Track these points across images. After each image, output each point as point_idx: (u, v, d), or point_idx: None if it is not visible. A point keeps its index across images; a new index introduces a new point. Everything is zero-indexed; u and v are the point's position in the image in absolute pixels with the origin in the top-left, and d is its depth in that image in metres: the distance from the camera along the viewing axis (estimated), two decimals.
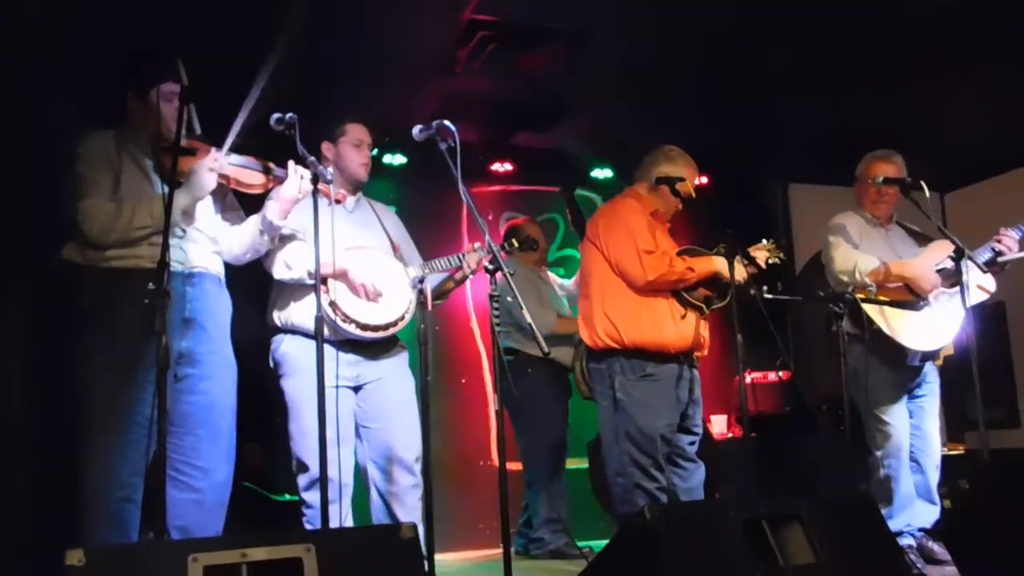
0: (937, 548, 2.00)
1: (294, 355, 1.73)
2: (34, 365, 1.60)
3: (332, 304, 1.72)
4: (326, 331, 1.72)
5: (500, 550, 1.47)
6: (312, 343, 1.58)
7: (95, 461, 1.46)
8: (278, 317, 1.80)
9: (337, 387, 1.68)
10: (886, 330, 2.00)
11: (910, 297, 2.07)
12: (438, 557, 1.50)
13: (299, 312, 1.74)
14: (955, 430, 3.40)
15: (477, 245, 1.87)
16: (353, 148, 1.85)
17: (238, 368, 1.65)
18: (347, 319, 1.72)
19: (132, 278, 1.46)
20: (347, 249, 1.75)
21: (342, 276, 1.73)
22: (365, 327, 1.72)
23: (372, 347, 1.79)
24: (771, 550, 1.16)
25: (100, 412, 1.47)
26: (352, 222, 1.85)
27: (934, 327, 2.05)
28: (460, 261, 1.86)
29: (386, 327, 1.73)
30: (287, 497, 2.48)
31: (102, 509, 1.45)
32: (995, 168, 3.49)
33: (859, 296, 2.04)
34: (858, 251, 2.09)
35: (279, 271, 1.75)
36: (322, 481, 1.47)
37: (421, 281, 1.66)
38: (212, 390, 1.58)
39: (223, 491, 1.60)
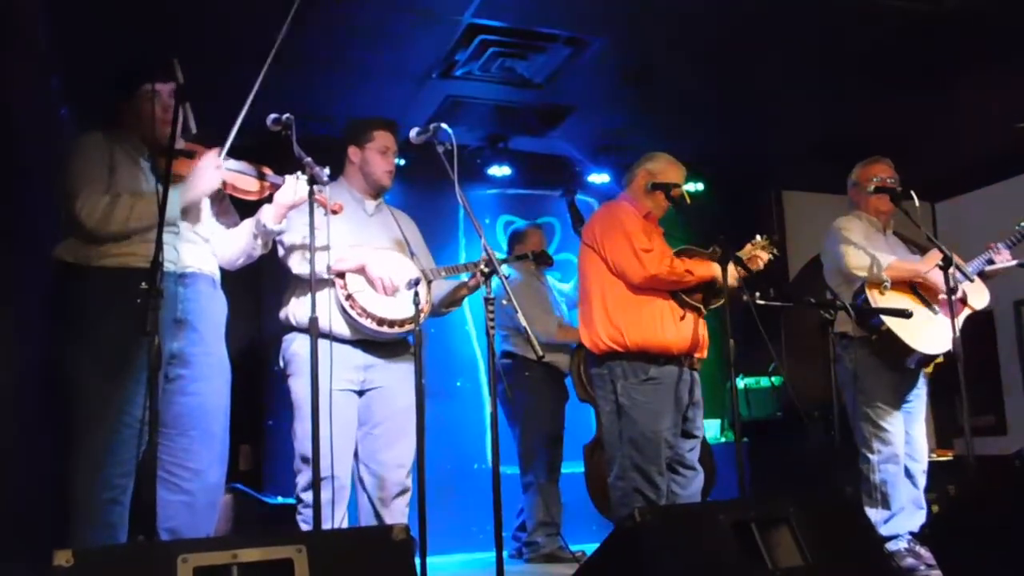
0: (924, 552, 2.02)
1: (303, 355, 1.73)
2: (24, 364, 1.59)
3: (349, 298, 1.72)
4: (344, 331, 1.74)
5: (493, 553, 1.47)
6: (323, 343, 1.59)
7: (84, 462, 1.45)
8: (292, 315, 1.80)
9: (340, 390, 1.68)
10: (896, 330, 2.01)
11: (917, 302, 2.09)
12: (431, 560, 1.49)
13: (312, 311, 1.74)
14: (944, 436, 3.43)
15: (499, 255, 1.92)
16: (379, 154, 1.88)
17: (232, 369, 1.64)
18: (364, 313, 1.72)
19: (124, 277, 1.44)
20: (365, 247, 1.77)
21: (360, 271, 1.74)
22: (382, 322, 1.72)
23: (386, 348, 1.79)
24: (760, 553, 1.16)
25: (90, 412, 1.46)
26: (372, 224, 1.87)
27: (937, 332, 2.07)
28: (474, 268, 1.88)
29: (402, 323, 1.73)
30: (279, 499, 2.47)
31: (90, 511, 1.43)
32: (986, 178, 3.53)
33: (870, 292, 2.04)
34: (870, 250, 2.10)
35: (297, 266, 1.75)
36: (315, 483, 1.47)
37: (417, 283, 1.67)
38: (204, 391, 1.57)
39: (214, 493, 1.59)
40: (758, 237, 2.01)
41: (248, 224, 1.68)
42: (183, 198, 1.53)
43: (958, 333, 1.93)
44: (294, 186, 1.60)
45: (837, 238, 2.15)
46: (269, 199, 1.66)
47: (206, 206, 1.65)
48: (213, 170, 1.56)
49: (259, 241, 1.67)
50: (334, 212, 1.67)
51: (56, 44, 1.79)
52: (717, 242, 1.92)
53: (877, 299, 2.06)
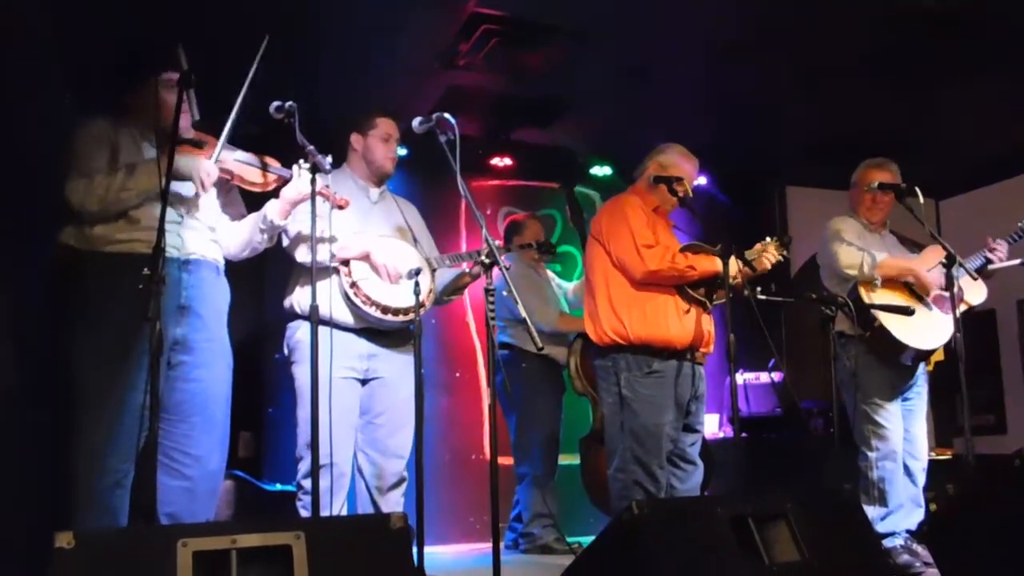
0: (921, 550, 2.03)
1: (308, 342, 1.70)
2: (27, 349, 1.59)
3: (354, 285, 1.73)
4: (347, 319, 1.75)
5: (490, 544, 1.47)
6: (328, 331, 1.60)
7: (85, 447, 1.46)
8: (296, 303, 1.80)
9: (343, 378, 1.70)
10: (888, 326, 2.02)
11: (911, 298, 2.10)
12: (428, 549, 1.50)
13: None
14: (944, 435, 3.44)
15: (498, 244, 1.90)
16: (381, 142, 1.89)
17: (233, 356, 1.65)
18: (368, 301, 1.72)
19: (128, 263, 1.45)
20: (368, 235, 1.78)
21: (364, 258, 1.75)
22: (386, 310, 1.73)
23: (389, 338, 1.80)
24: (757, 547, 1.17)
25: (92, 397, 1.47)
26: (375, 212, 1.88)
27: (931, 328, 2.08)
28: (476, 258, 1.87)
29: (406, 311, 1.74)
30: (278, 486, 2.48)
31: (92, 495, 1.44)
32: (991, 176, 3.51)
33: (862, 290, 2.05)
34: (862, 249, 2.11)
35: (302, 254, 1.76)
36: (314, 471, 1.48)
37: (418, 272, 1.66)
38: (206, 378, 1.58)
39: (215, 479, 1.60)
40: (768, 239, 2.00)
41: (254, 218, 1.68)
42: (179, 164, 1.50)
43: (959, 327, 1.93)
44: (298, 182, 1.60)
45: (830, 238, 2.16)
46: (275, 192, 1.66)
47: (212, 195, 1.65)
48: (207, 163, 1.56)
49: (265, 235, 1.68)
50: (339, 207, 1.67)
51: (59, 28, 1.78)
52: (719, 238, 1.91)
53: (870, 297, 2.05)
